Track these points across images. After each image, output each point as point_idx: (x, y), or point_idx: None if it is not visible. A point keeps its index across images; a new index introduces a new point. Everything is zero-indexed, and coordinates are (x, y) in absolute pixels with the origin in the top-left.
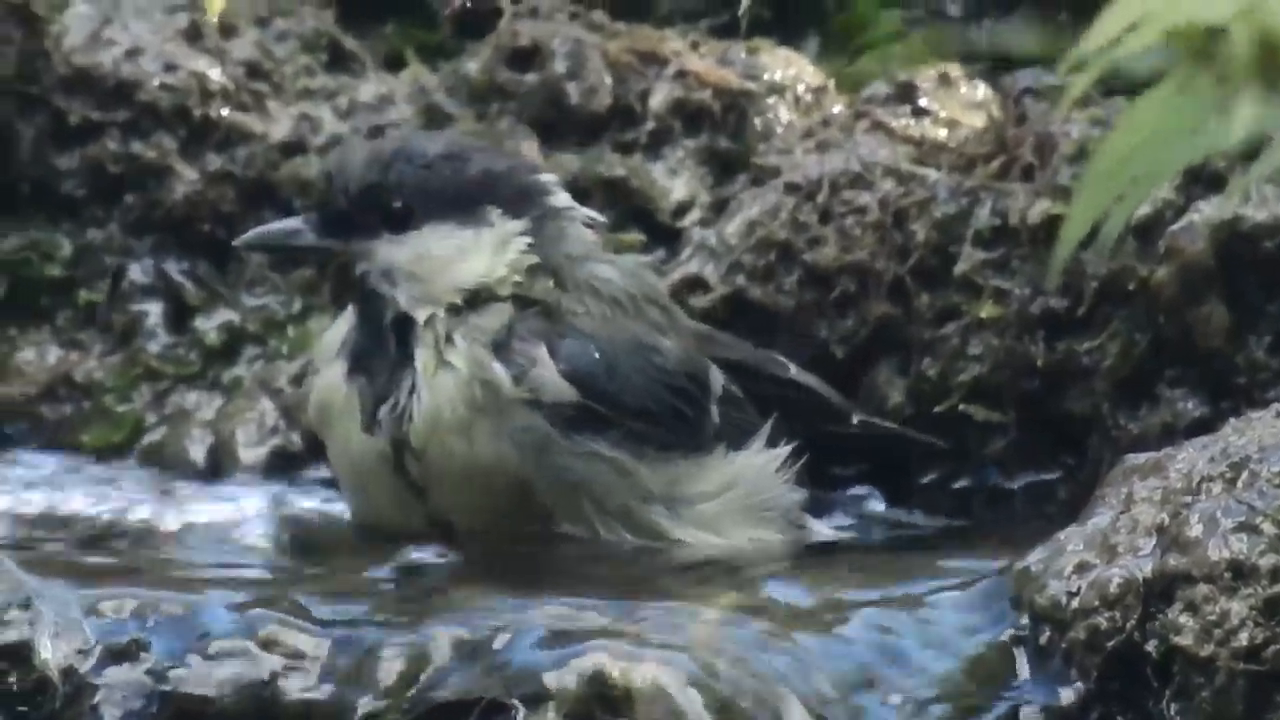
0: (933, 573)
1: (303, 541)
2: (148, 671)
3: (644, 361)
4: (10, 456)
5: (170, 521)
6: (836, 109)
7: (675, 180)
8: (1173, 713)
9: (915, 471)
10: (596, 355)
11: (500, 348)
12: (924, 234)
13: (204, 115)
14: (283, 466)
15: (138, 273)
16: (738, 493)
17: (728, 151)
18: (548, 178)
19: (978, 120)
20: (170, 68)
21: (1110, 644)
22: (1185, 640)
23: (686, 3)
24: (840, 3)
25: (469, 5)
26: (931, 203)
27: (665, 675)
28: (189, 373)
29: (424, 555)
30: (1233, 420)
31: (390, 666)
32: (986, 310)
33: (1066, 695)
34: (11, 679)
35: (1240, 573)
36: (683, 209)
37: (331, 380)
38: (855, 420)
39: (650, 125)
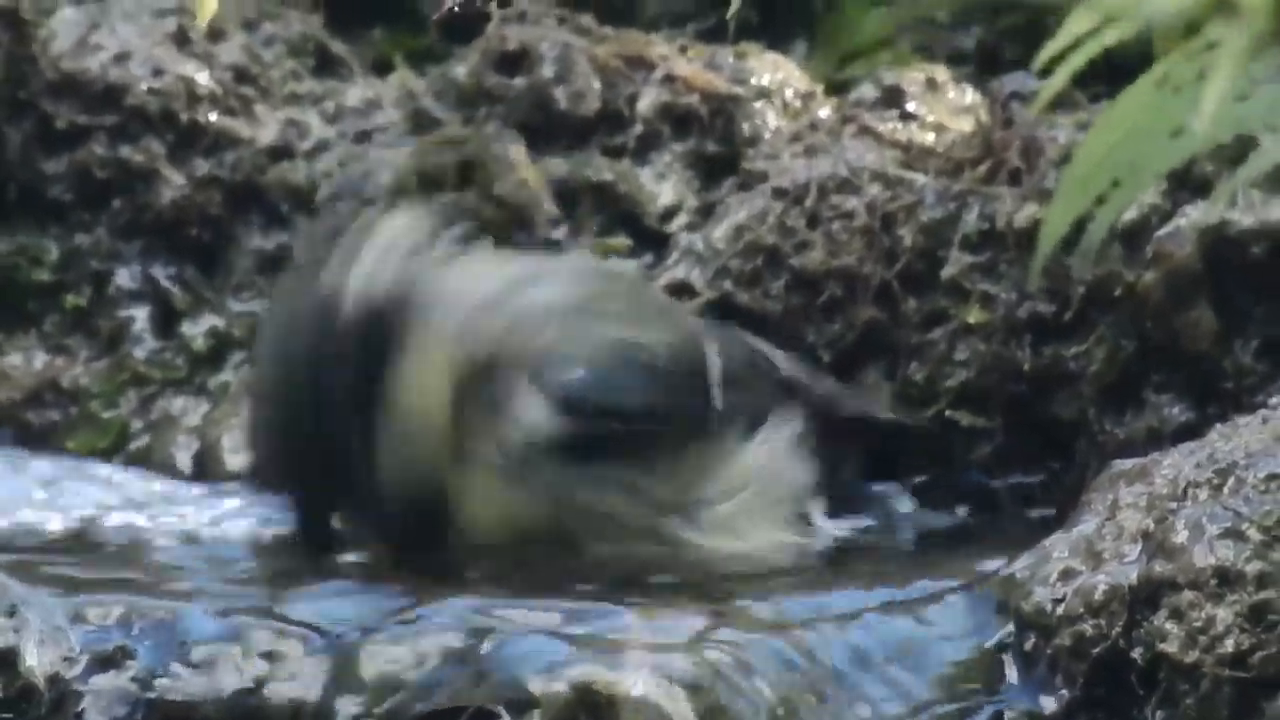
0: (919, 578)
1: (288, 547)
2: (133, 678)
3: (629, 361)
4: None
5: (156, 526)
6: (824, 113)
7: (662, 184)
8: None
9: (901, 474)
10: (580, 375)
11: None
12: (911, 238)
13: (191, 120)
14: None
15: (125, 277)
16: (752, 489)
17: (715, 156)
18: None
19: (965, 124)
20: (158, 72)
21: (1095, 651)
22: (1170, 647)
23: (674, 7)
24: (828, 7)
25: (456, 10)
26: (919, 207)
27: (652, 683)
28: (176, 378)
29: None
30: (1219, 426)
31: (376, 673)
32: (973, 315)
33: (1052, 702)
34: None
35: (1226, 579)
36: (670, 213)
37: None
38: (848, 411)
39: (638, 129)
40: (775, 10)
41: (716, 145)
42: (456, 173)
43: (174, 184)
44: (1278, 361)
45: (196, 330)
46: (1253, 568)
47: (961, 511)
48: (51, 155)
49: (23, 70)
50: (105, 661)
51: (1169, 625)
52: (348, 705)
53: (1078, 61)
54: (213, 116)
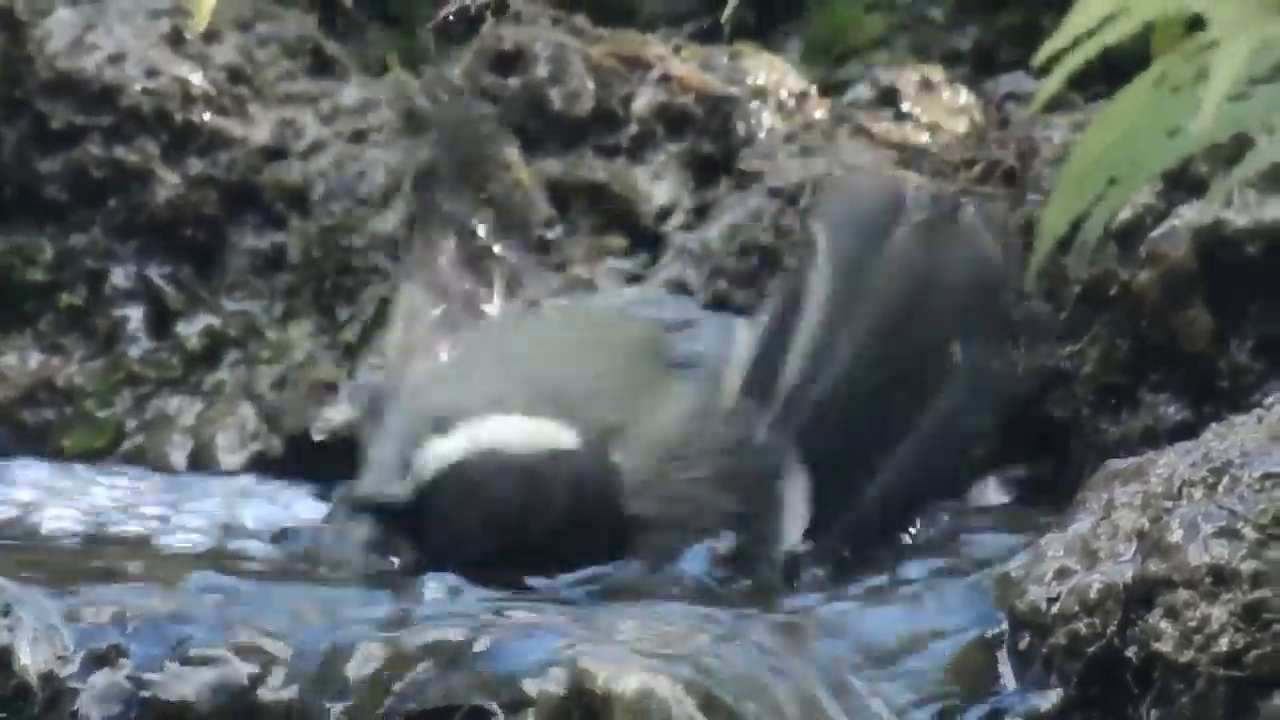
0: (913, 577)
1: (282, 546)
2: (127, 677)
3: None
4: None
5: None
6: (819, 113)
7: (658, 185)
8: (1153, 718)
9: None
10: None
11: None
12: None
13: (186, 120)
14: (263, 472)
15: (120, 277)
16: None
17: (710, 156)
18: None
19: (960, 125)
20: (153, 72)
21: (1090, 650)
22: (1165, 646)
23: (669, 7)
24: (823, 7)
25: (450, 19)
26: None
27: (648, 681)
28: (170, 377)
29: (405, 560)
30: (1214, 425)
31: (370, 672)
32: None
33: (1047, 701)
34: None
35: (1221, 578)
36: (665, 213)
37: None
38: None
39: (633, 130)
40: (771, 11)
41: (711, 145)
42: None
43: (169, 184)
44: (1273, 360)
45: (191, 330)
46: (1248, 566)
47: (955, 510)
48: (46, 155)
49: (18, 70)
50: (99, 660)
51: (1164, 624)
52: (341, 704)
53: (1075, 61)
54: (207, 116)
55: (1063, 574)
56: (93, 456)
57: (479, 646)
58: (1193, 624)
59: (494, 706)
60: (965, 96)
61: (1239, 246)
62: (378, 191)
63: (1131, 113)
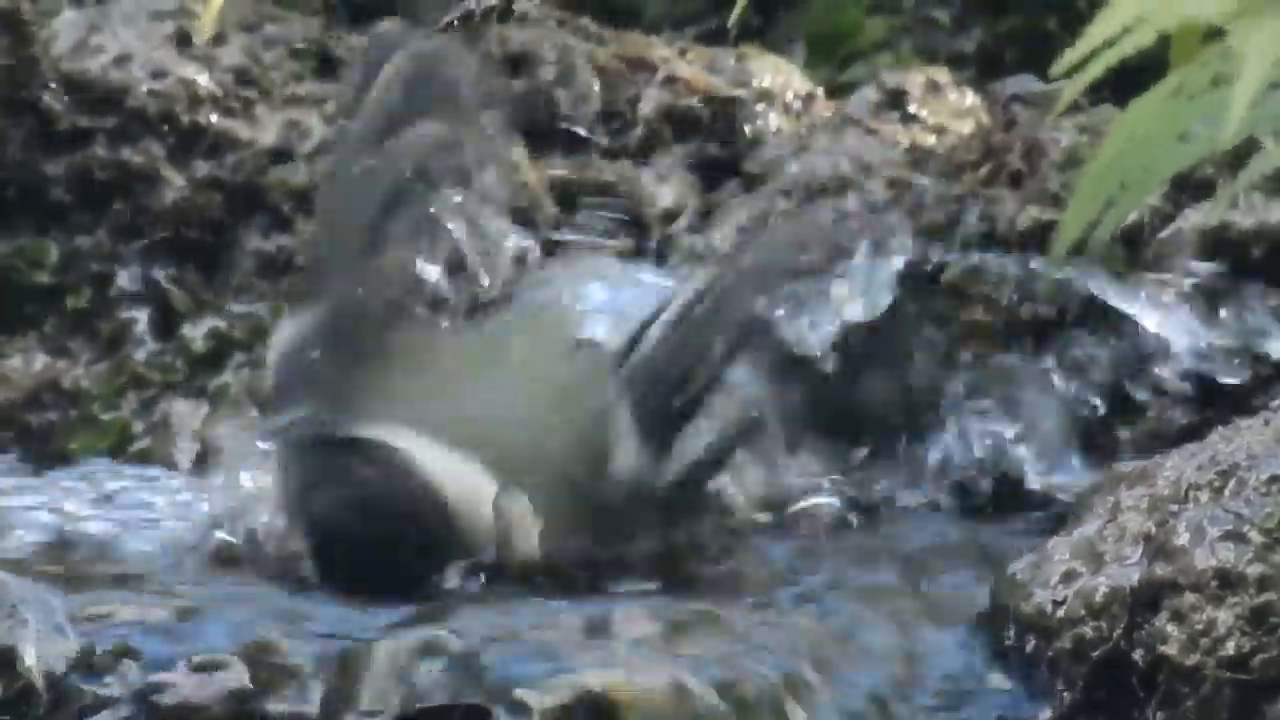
0: (918, 579)
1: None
2: (133, 680)
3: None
4: None
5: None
6: (825, 115)
7: (664, 187)
8: None
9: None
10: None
11: None
12: (912, 240)
13: (192, 121)
14: None
15: (125, 279)
16: None
17: (717, 158)
18: None
19: (966, 127)
20: (158, 74)
21: (1096, 653)
22: (1171, 649)
23: (675, 9)
24: (829, 9)
25: (455, 22)
26: (919, 209)
27: (650, 686)
28: (176, 380)
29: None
30: (1221, 428)
31: (375, 676)
32: (974, 317)
33: (1052, 704)
34: None
35: (1227, 581)
36: (671, 215)
37: None
38: None
39: (639, 131)
40: (776, 13)
41: (718, 147)
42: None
43: (174, 186)
44: (1279, 364)
45: (197, 332)
46: (1254, 570)
47: (963, 512)
48: (52, 157)
49: (23, 72)
50: (105, 662)
51: (1170, 627)
52: (347, 706)
53: (1095, 71)
54: (213, 118)
55: (1069, 577)
56: (97, 459)
57: (482, 651)
58: (1199, 627)
59: (495, 709)
60: (971, 98)
61: (1244, 249)
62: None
63: (1146, 120)
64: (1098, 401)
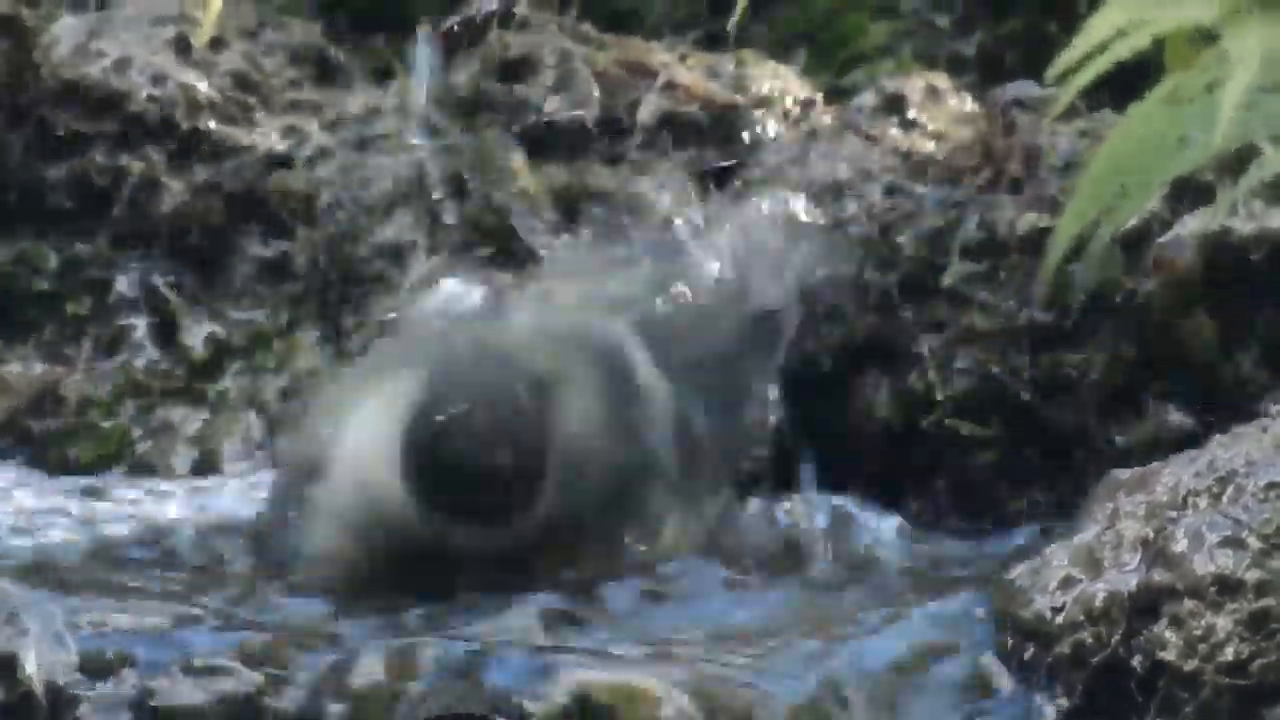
0: (918, 586)
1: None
2: (132, 686)
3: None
4: None
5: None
6: (824, 121)
7: (663, 193)
8: None
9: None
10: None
11: None
12: (911, 246)
13: (191, 127)
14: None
15: (124, 285)
16: None
17: (716, 164)
18: None
19: (965, 132)
20: (158, 80)
21: (1095, 659)
22: (1170, 655)
23: (675, 14)
24: (828, 15)
25: (456, 28)
26: (918, 215)
27: (650, 692)
28: (175, 387)
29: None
30: (1219, 434)
31: (374, 683)
32: (973, 323)
33: (1051, 710)
34: None
35: (1226, 587)
36: (670, 221)
37: None
38: None
39: (638, 137)
40: (776, 19)
41: (717, 153)
42: (455, 181)
43: (174, 192)
44: (1278, 370)
45: (196, 338)
46: (1252, 576)
47: (961, 519)
48: (51, 163)
49: (23, 77)
50: (104, 668)
51: (1169, 633)
52: (345, 713)
53: (1089, 74)
54: (213, 124)
55: (1067, 583)
56: (97, 466)
57: (482, 657)
58: (1198, 633)
59: (496, 717)
60: (971, 103)
61: (1244, 255)
62: (383, 200)
63: (1144, 125)
64: None
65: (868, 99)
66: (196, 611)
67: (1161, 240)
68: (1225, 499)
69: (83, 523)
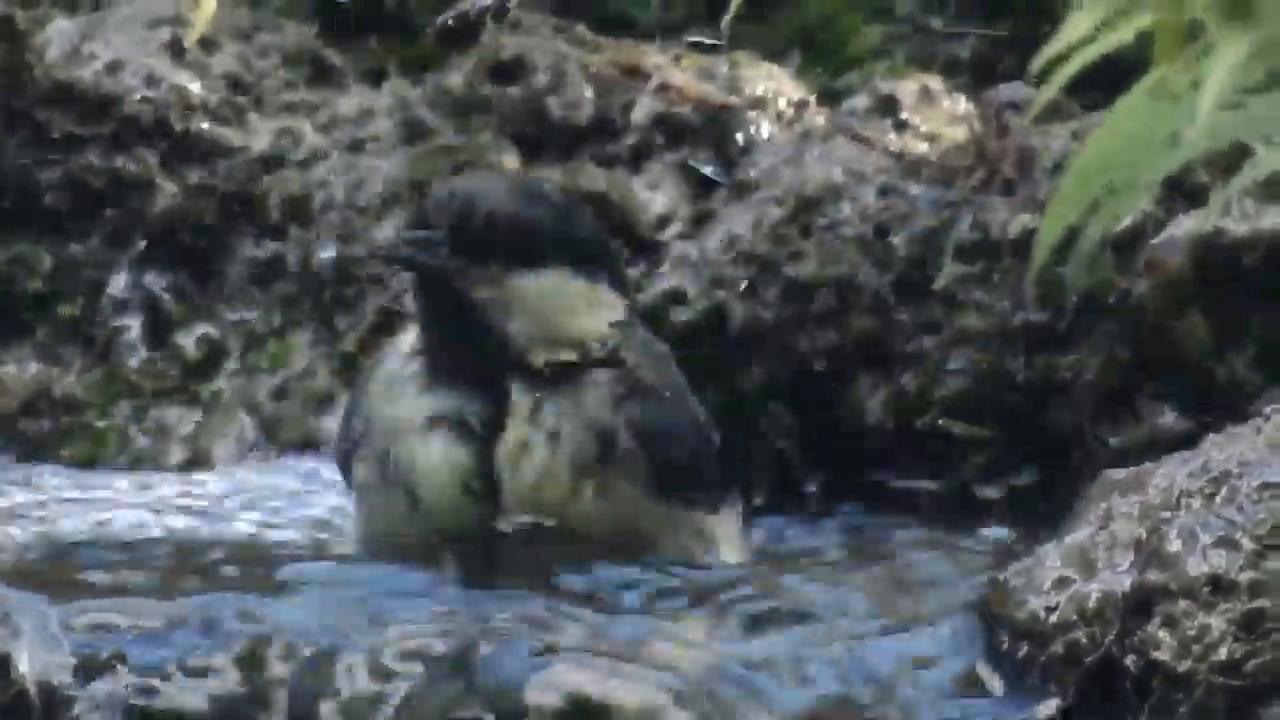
0: (910, 587)
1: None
2: (126, 685)
3: (696, 420)
4: None
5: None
6: (818, 122)
7: (656, 194)
8: None
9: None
10: (671, 421)
11: (591, 417)
12: (905, 247)
13: (185, 129)
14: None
15: (118, 287)
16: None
17: (709, 165)
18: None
19: (959, 134)
20: (152, 81)
21: (1089, 659)
22: (1164, 655)
23: (669, 16)
24: (822, 17)
25: (450, 23)
26: (912, 216)
27: (644, 693)
28: (168, 387)
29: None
30: (1213, 435)
31: (369, 683)
32: (967, 324)
33: (1044, 710)
34: None
35: (1219, 587)
36: (663, 222)
37: (429, 442)
38: None
39: (631, 139)
40: (770, 20)
41: (710, 154)
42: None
43: (167, 193)
44: (1272, 370)
45: (189, 339)
46: (1246, 576)
47: (955, 519)
48: (45, 164)
49: (17, 80)
50: (98, 668)
51: (1162, 633)
52: (339, 713)
53: (1072, 68)
54: (206, 126)
55: (1061, 583)
56: (91, 466)
57: (478, 658)
58: (1191, 633)
59: (491, 718)
60: (964, 105)
61: (1237, 256)
62: (376, 201)
63: (1130, 121)
64: None
65: (861, 101)
66: (189, 612)
67: (1155, 241)
68: (1219, 500)
69: (76, 521)
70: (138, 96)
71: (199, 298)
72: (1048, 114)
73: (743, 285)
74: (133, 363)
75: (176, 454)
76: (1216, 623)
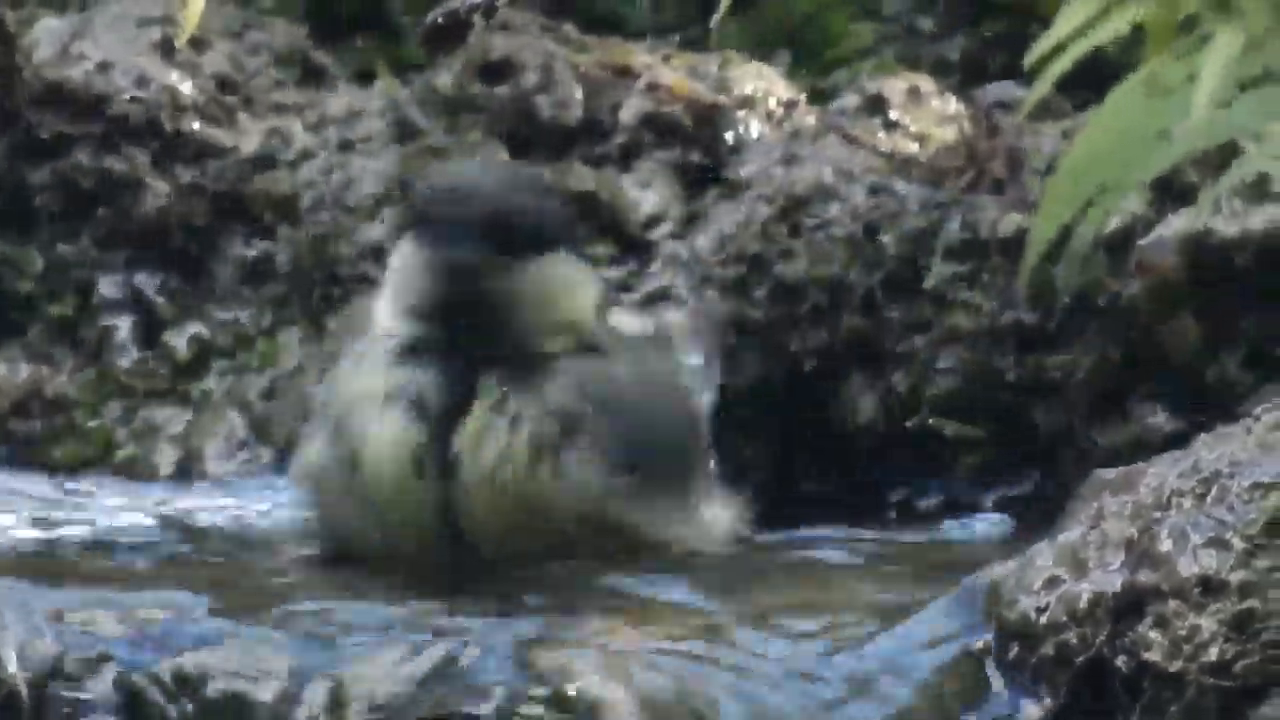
0: (902, 587)
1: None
2: (115, 684)
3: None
4: None
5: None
6: (807, 122)
7: (646, 193)
8: None
9: (885, 486)
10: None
11: (555, 401)
12: (894, 247)
13: (175, 129)
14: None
15: (108, 287)
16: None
17: (698, 165)
18: None
19: (948, 133)
20: (141, 81)
21: (1079, 659)
22: (1155, 655)
23: (659, 16)
24: (812, 17)
25: (440, 21)
26: (902, 215)
27: (633, 690)
28: (159, 387)
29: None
30: (1204, 435)
31: (359, 682)
32: (957, 323)
33: (1035, 710)
34: None
35: (1210, 588)
36: (653, 222)
37: (390, 421)
38: None
39: (621, 138)
40: (760, 20)
41: (700, 154)
42: None
43: (158, 193)
44: (1263, 370)
45: (180, 339)
46: (1236, 576)
47: (946, 519)
48: (35, 165)
49: (6, 80)
50: (87, 666)
51: (1153, 634)
52: (330, 714)
53: (1063, 65)
54: (196, 126)
55: (1052, 583)
56: (81, 465)
57: (466, 657)
58: (1182, 633)
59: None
60: (954, 105)
61: (1228, 256)
62: (366, 200)
63: (1122, 117)
64: None
65: (850, 100)
66: (179, 611)
67: (1145, 242)
68: (1210, 499)
69: (66, 521)
70: (128, 96)
71: (189, 298)
72: (1038, 113)
73: (733, 284)
74: (123, 363)
75: (167, 453)
76: (1207, 623)
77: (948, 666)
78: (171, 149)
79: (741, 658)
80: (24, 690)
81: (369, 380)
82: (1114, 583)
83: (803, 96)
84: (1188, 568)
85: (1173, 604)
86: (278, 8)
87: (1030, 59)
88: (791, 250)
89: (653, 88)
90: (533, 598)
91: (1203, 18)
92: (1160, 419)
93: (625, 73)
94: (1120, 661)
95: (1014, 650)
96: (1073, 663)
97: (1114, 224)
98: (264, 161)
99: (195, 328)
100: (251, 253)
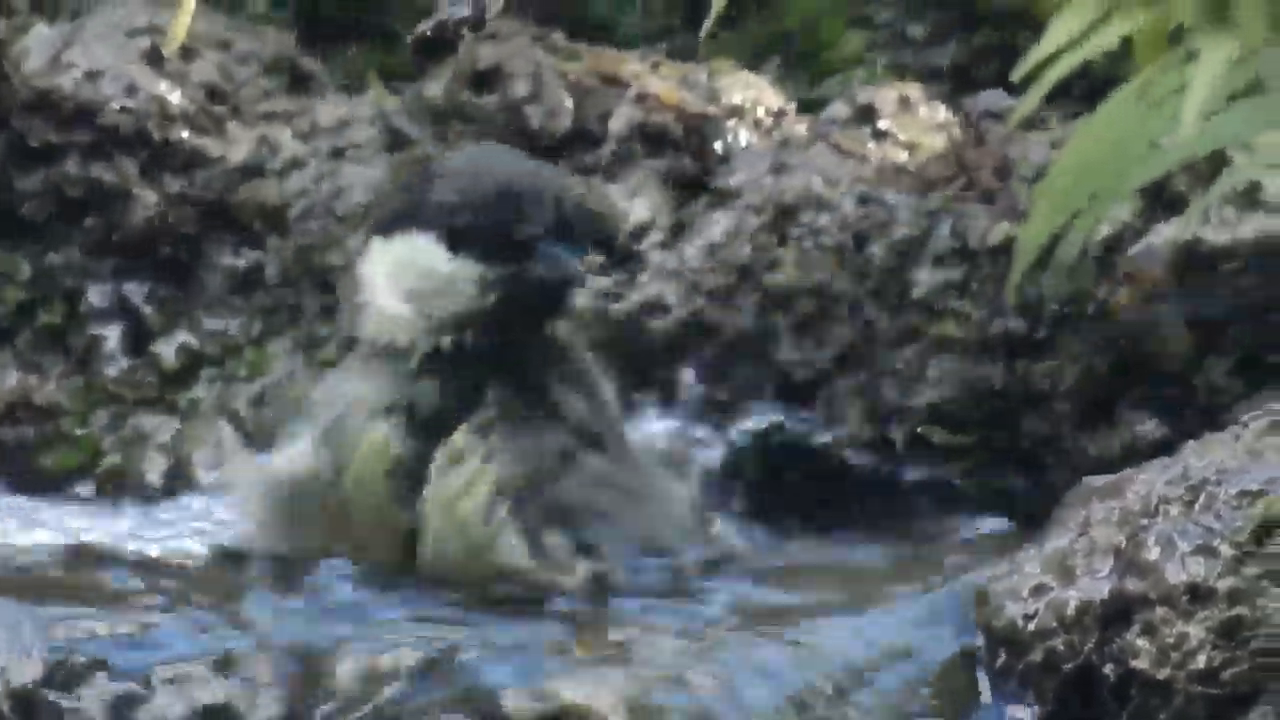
0: (890, 594)
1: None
2: (103, 693)
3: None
4: None
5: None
6: (796, 131)
7: (635, 202)
8: None
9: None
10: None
11: (529, 451)
12: (883, 256)
13: (164, 138)
14: None
15: (97, 295)
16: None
17: (688, 174)
18: None
19: (938, 142)
20: (131, 90)
21: (1067, 666)
22: (1142, 663)
23: (647, 25)
24: (802, 25)
25: (429, 33)
26: (891, 225)
27: (625, 696)
28: (147, 396)
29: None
30: (1192, 442)
31: (349, 687)
32: (946, 332)
33: (1024, 717)
34: None
35: (1198, 595)
36: (642, 231)
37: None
38: None
39: (610, 147)
40: (749, 29)
41: (689, 163)
42: None
43: (146, 202)
44: (1251, 378)
45: (168, 348)
46: (1224, 584)
47: (934, 526)
48: (24, 173)
49: None
50: (75, 676)
51: (1141, 641)
52: (321, 716)
53: (1053, 76)
54: (185, 135)
55: (1039, 590)
56: (70, 474)
57: (458, 661)
58: (1170, 641)
59: None
60: (943, 114)
61: (1216, 264)
62: (356, 209)
63: (1113, 126)
64: None
65: (840, 109)
66: (167, 619)
67: (1133, 250)
68: (1198, 507)
69: (55, 529)
70: (117, 105)
71: (178, 306)
72: (1027, 123)
73: (722, 293)
74: (112, 371)
75: (155, 462)
76: (1195, 630)
77: (935, 672)
78: (160, 158)
79: (724, 662)
80: (9, 701)
81: (369, 387)
82: (1102, 590)
83: (792, 105)
84: (1176, 575)
85: (1160, 611)
86: (267, 16)
87: (1021, 70)
88: (780, 259)
89: (642, 97)
90: (520, 601)
91: (1195, 28)
92: (1149, 426)
93: (615, 82)
94: (1108, 669)
95: (1002, 657)
96: (1061, 670)
97: (1103, 232)
98: (253, 170)
99: (184, 336)
100: (240, 262)
